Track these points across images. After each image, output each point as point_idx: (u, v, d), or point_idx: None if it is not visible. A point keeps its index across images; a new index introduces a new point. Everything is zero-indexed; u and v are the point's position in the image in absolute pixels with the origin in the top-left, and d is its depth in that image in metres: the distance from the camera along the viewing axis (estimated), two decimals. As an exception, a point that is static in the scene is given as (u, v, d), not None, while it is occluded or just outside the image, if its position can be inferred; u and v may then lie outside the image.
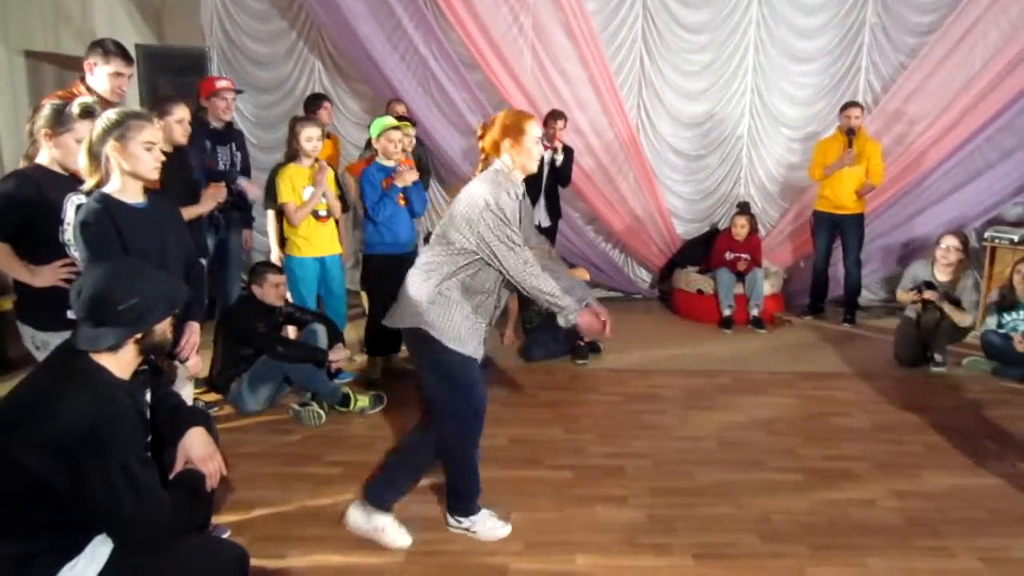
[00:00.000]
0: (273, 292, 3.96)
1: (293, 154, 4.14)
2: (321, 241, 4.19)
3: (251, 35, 6.22)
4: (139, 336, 1.87)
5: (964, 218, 6.18)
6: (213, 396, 3.98)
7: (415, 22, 5.81)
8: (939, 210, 6.18)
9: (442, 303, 2.55)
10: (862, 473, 3.37)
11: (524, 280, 2.52)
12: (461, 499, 2.81)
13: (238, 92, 4.53)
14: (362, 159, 5.15)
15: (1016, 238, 5.62)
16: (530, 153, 2.65)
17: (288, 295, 4.22)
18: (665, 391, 4.31)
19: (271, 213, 4.34)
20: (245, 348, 3.87)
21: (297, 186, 4.09)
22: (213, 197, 3.69)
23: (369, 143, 5.20)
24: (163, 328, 1.93)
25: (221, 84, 4.37)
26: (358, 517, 2.73)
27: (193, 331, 2.70)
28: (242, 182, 4.36)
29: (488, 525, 2.81)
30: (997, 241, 5.70)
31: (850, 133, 5.59)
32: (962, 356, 5.01)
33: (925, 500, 3.14)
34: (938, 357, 4.86)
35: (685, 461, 3.44)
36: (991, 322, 4.96)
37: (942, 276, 4.92)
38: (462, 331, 2.56)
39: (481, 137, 2.74)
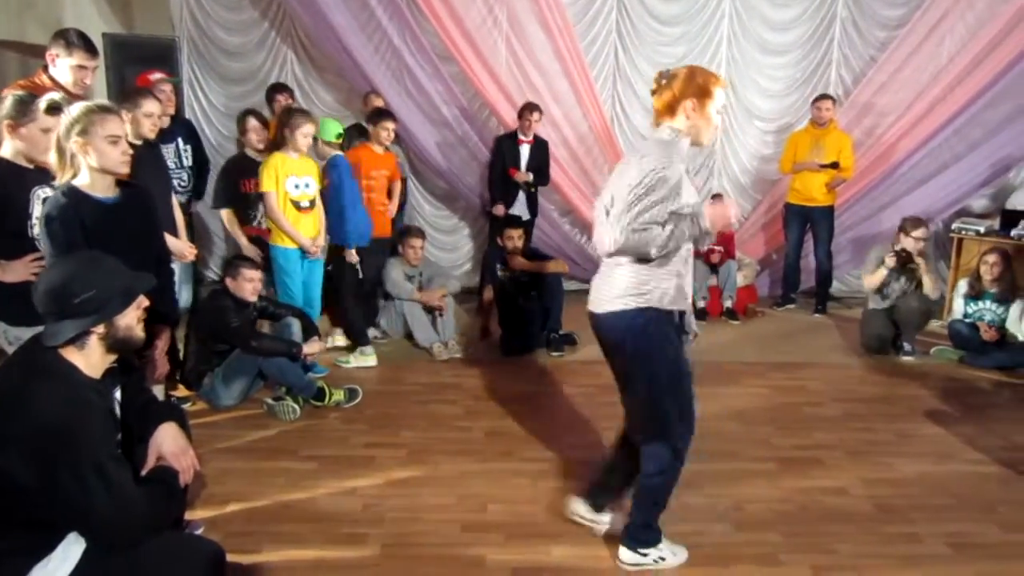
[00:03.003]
0: (246, 287, 3.90)
1: (279, 143, 4.12)
2: (303, 231, 4.16)
3: (222, 24, 6.12)
4: (102, 331, 1.84)
5: (932, 210, 6.29)
6: (185, 391, 3.93)
7: (389, 13, 5.75)
8: (908, 202, 6.28)
9: None
10: (833, 461, 3.43)
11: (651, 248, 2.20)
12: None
13: (174, 82, 4.44)
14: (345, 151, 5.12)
15: (982, 229, 5.75)
16: (710, 121, 2.34)
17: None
18: (641, 382, 4.33)
19: (225, 212, 4.35)
20: (218, 343, 3.82)
21: (281, 176, 4.05)
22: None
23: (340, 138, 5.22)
24: (128, 323, 1.90)
25: (155, 77, 4.20)
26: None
27: (163, 335, 2.65)
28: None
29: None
30: (964, 232, 5.81)
31: (832, 166, 5.63)
32: (930, 346, 5.11)
33: (895, 487, 3.21)
34: (907, 346, 4.96)
35: (660, 451, 3.47)
36: (958, 311, 5.07)
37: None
38: None
39: (655, 92, 2.34)
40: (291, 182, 4.09)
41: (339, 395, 3.89)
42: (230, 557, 2.07)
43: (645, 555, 2.57)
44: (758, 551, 2.69)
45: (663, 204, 2.21)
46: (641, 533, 2.58)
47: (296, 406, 3.75)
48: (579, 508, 2.78)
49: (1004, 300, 4.90)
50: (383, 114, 4.94)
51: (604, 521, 2.76)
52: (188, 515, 2.60)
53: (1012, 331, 4.84)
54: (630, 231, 2.20)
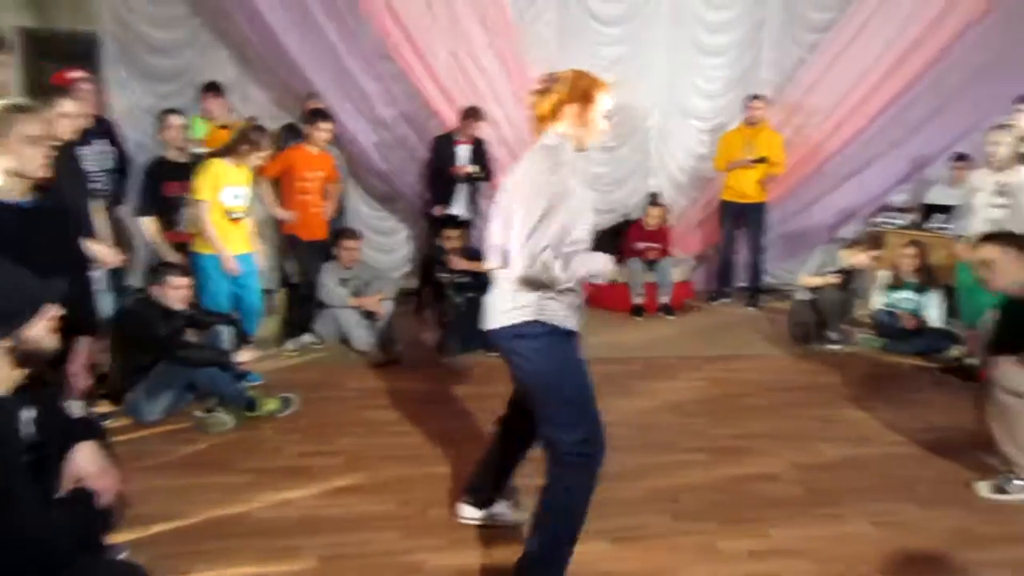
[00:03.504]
0: (174, 294, 3.77)
1: (226, 152, 4.01)
2: (234, 240, 4.06)
3: (147, 19, 5.85)
4: (8, 344, 1.75)
5: (857, 205, 6.56)
6: (109, 406, 3.76)
7: (326, 11, 5.63)
8: (835, 197, 6.53)
9: None
10: (765, 449, 3.53)
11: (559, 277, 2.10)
12: None
13: (95, 80, 4.30)
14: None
15: (903, 222, 6.01)
16: (594, 127, 2.27)
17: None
18: (581, 379, 4.37)
19: (146, 220, 4.22)
20: (143, 354, 3.67)
21: (219, 184, 3.93)
22: None
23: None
24: (37, 335, 1.80)
25: (74, 75, 4.03)
26: None
27: (82, 347, 2.55)
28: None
29: None
30: (885, 225, 6.07)
31: (760, 161, 5.77)
32: (857, 334, 5.31)
33: (823, 471, 3.33)
34: (833, 335, 5.15)
35: (600, 448, 3.50)
36: (880, 300, 5.28)
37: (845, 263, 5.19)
38: None
39: (540, 93, 2.26)
40: (229, 192, 3.99)
41: (272, 404, 3.78)
42: (157, 578, 2.00)
43: None
44: (696, 540, 2.75)
45: (560, 226, 2.10)
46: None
47: (227, 418, 3.62)
48: (467, 512, 2.77)
49: (922, 289, 5.13)
50: (320, 114, 4.85)
51: (502, 512, 2.78)
52: (110, 539, 2.49)
53: (930, 318, 5.08)
54: (536, 259, 2.09)
